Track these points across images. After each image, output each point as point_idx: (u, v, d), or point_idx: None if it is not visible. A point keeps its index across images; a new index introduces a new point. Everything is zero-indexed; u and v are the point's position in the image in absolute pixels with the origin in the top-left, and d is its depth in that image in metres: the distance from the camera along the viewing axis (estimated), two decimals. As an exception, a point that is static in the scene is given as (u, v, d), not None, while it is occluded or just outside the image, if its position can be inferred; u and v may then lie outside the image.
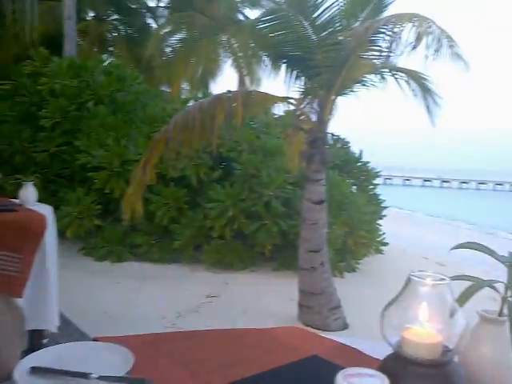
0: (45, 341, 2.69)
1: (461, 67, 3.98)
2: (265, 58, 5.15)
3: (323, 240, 4.93)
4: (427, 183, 58.56)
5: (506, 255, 0.98)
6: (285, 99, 4.94)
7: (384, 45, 4.39)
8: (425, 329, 0.81)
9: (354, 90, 5.10)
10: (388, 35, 4.15)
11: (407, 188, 51.83)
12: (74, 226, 6.71)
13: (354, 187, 8.12)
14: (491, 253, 1.00)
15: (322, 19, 4.76)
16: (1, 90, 8.04)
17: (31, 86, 7.79)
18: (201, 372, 1.04)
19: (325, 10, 4.73)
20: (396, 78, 5.01)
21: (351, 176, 8.17)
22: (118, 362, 0.99)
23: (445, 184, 58.22)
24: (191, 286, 5.77)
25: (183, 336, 1.28)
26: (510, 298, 0.92)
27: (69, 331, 3.43)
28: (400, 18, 3.93)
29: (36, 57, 8.17)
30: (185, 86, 11.36)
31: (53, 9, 11.44)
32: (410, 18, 3.85)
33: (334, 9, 4.73)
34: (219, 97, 4.86)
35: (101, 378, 0.92)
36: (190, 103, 7.46)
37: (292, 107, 5.19)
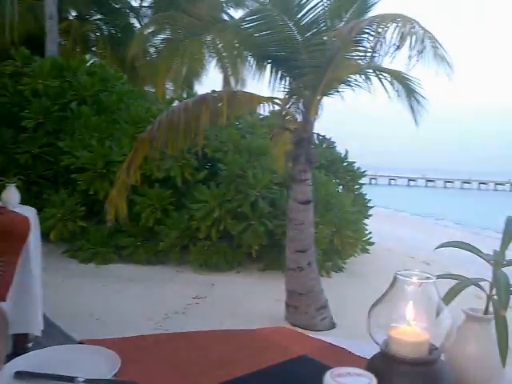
0: (29, 345, 2.65)
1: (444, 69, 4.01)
2: (250, 58, 5.14)
3: (310, 240, 4.95)
4: (412, 183, 59.24)
5: (491, 253, 0.99)
6: (270, 99, 4.94)
7: (368, 45, 4.42)
8: (411, 327, 0.82)
9: (339, 90, 5.12)
10: (372, 35, 4.17)
11: (393, 188, 52.32)
12: (58, 228, 6.63)
13: (340, 187, 8.16)
14: (476, 251, 1.01)
15: (307, 19, 4.77)
16: (-18, 90, 7.92)
17: (12, 86, 7.69)
18: (188, 373, 1.03)
19: (309, 10, 4.74)
20: (380, 79, 5.04)
21: (337, 176, 8.21)
22: (105, 364, 0.98)
23: (430, 183, 58.96)
24: (177, 288, 5.74)
25: (170, 338, 1.27)
26: (495, 296, 0.93)
27: (54, 334, 3.38)
28: (384, 19, 3.95)
29: (17, 56, 8.06)
30: (169, 86, 11.32)
31: (33, 8, 11.31)
32: (394, 18, 3.88)
33: (319, 9, 4.75)
34: (204, 97, 4.84)
35: (87, 381, 0.91)
36: (175, 103, 7.44)
37: (277, 107, 5.19)
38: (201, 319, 4.72)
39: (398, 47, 3.81)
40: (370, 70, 4.98)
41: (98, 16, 14.14)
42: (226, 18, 11.58)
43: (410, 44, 3.77)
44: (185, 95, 8.62)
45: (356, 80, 5.02)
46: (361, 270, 7.09)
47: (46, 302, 2.73)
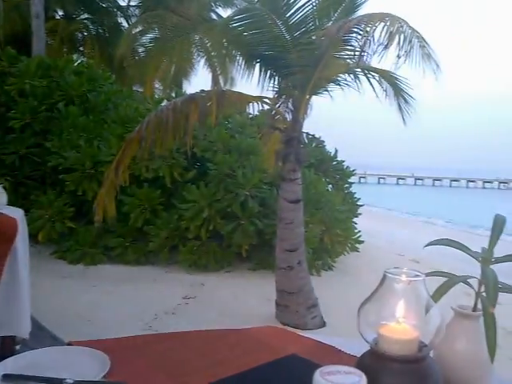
0: (17, 347, 2.62)
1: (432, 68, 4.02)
2: (238, 58, 5.14)
3: (300, 239, 4.95)
4: (401, 181, 59.68)
5: (479, 251, 0.99)
6: (259, 99, 4.94)
7: (357, 44, 4.43)
8: (401, 325, 0.82)
9: (329, 89, 5.13)
10: (360, 34, 4.19)
11: (382, 186, 52.65)
12: (45, 229, 6.58)
13: (330, 186, 8.19)
14: (464, 249, 1.02)
15: (295, 19, 4.78)
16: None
17: (-2, 86, 7.61)
18: (179, 374, 1.03)
19: (298, 9, 4.75)
20: (368, 78, 5.06)
21: (326, 175, 8.23)
22: (94, 366, 0.97)
23: (418, 182, 59.45)
24: (167, 288, 5.72)
25: (160, 338, 1.27)
26: (483, 294, 0.93)
27: (42, 336, 3.36)
28: (372, 18, 3.97)
29: (3, 56, 7.97)
30: (158, 85, 11.28)
31: (19, 7, 11.21)
32: (382, 17, 3.90)
33: (307, 8, 4.76)
34: (193, 96, 4.83)
35: (76, 383, 0.91)
36: (164, 103, 7.41)
37: (267, 107, 5.19)
38: (191, 319, 4.71)
39: (386, 46, 3.83)
40: (359, 70, 5.00)
41: (86, 15, 14.04)
42: (214, 17, 11.56)
43: (399, 43, 3.79)
44: (173, 95, 8.59)
45: (345, 79, 5.04)
46: (350, 269, 7.12)
47: (34, 304, 2.70)
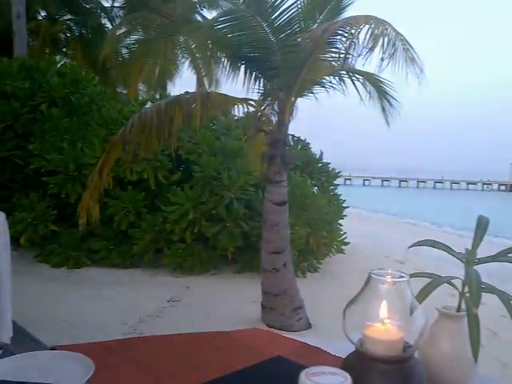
0: (-1, 352, 2.58)
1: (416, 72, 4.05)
2: (223, 59, 5.13)
3: (286, 241, 4.96)
4: (386, 183, 60.22)
5: (463, 252, 1.00)
6: (245, 101, 4.94)
7: (342, 46, 4.45)
8: (385, 326, 0.83)
9: (314, 91, 5.15)
10: (345, 37, 4.21)
11: (367, 188, 53.04)
12: (28, 232, 6.50)
13: (315, 188, 8.22)
14: (448, 250, 1.03)
15: (281, 21, 4.78)
16: None
17: (-21, 88, 7.50)
18: (164, 377, 1.02)
19: (283, 11, 4.75)
20: (353, 80, 5.09)
21: (312, 177, 8.26)
22: (78, 370, 0.96)
23: (403, 183, 60.05)
24: (152, 291, 5.68)
25: (145, 341, 1.26)
26: (467, 294, 0.94)
27: (24, 341, 3.31)
28: (357, 20, 3.99)
29: (-16, 57, 7.88)
30: (142, 87, 11.22)
31: (0, 7, 11.06)
32: (367, 20, 3.92)
33: (293, 10, 4.76)
34: (178, 98, 4.81)
35: (59, 388, 0.89)
36: (148, 105, 7.37)
37: (252, 109, 5.19)
38: (176, 322, 4.69)
39: (371, 49, 3.85)
40: (344, 72, 5.03)
41: (69, 16, 13.91)
42: (199, 18, 11.55)
43: (383, 45, 3.82)
44: (158, 96, 8.55)
45: (330, 82, 5.06)
46: (336, 270, 7.15)
47: (16, 308, 2.66)
